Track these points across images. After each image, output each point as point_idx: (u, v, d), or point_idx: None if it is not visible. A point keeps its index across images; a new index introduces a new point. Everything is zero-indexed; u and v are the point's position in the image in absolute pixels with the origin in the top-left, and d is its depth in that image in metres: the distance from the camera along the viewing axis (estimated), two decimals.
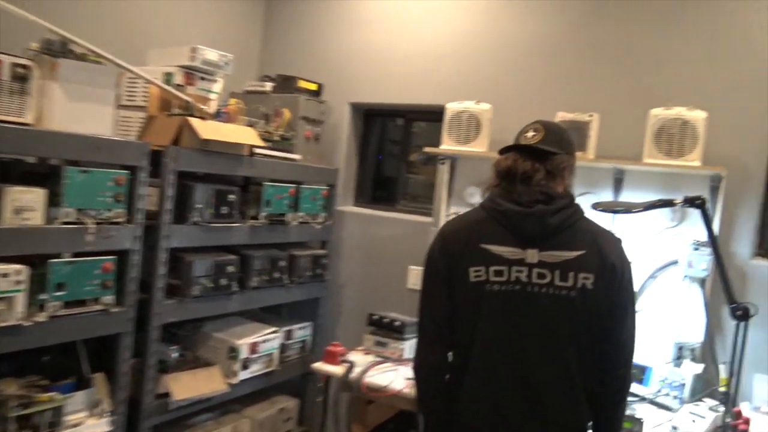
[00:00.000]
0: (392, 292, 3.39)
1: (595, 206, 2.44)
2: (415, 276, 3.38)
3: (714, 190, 2.59)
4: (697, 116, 2.49)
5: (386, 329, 2.89)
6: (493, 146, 2.97)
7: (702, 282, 2.59)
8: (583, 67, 2.99)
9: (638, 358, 2.62)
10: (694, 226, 2.64)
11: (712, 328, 2.62)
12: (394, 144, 3.85)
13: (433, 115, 3.40)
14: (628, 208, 2.34)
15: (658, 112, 2.55)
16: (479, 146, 2.94)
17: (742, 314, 2.12)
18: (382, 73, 3.55)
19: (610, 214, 2.44)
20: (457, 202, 3.16)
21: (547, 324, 1.66)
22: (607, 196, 2.80)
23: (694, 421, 2.22)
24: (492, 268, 1.67)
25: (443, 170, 3.20)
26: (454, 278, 1.70)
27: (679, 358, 2.59)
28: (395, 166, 3.77)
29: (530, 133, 1.74)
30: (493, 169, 1.76)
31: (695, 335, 2.59)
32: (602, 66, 2.95)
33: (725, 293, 2.16)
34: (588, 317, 1.66)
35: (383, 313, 2.95)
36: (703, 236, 2.59)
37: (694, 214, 2.61)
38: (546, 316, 1.66)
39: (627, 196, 2.78)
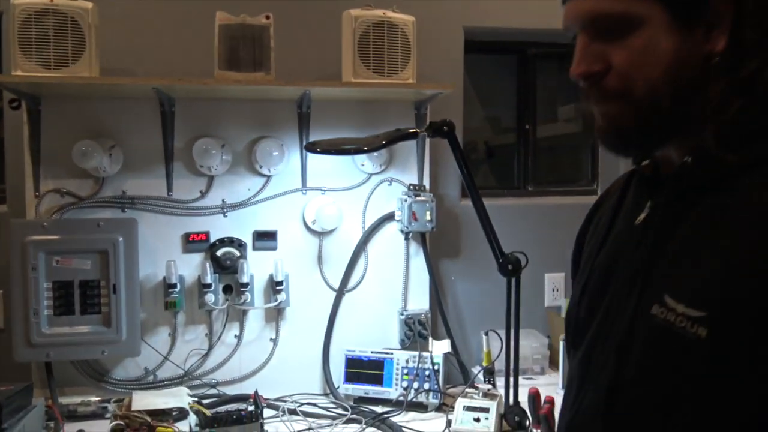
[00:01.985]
0: None
1: (311, 147, 1.63)
2: None
3: (420, 119, 2.06)
4: (406, 19, 1.88)
5: None
6: (108, 70, 1.83)
7: (423, 236, 2.06)
8: None
9: (368, 349, 1.98)
10: (403, 170, 2.07)
11: (442, 292, 2.16)
12: None
13: None
14: (360, 147, 1.59)
15: (359, 13, 1.84)
16: (84, 69, 1.74)
17: (513, 268, 1.65)
18: None
19: (334, 156, 1.66)
20: (54, 171, 1.87)
21: None
22: (291, 139, 1.99)
23: (477, 419, 1.67)
24: None
25: (18, 119, 1.87)
26: None
27: (410, 337, 2.03)
28: None
29: None
30: None
31: (422, 302, 2.08)
32: None
33: (492, 245, 1.66)
34: None
35: None
36: (417, 181, 2.07)
37: (402, 155, 2.06)
38: None
39: (316, 136, 2.01)
